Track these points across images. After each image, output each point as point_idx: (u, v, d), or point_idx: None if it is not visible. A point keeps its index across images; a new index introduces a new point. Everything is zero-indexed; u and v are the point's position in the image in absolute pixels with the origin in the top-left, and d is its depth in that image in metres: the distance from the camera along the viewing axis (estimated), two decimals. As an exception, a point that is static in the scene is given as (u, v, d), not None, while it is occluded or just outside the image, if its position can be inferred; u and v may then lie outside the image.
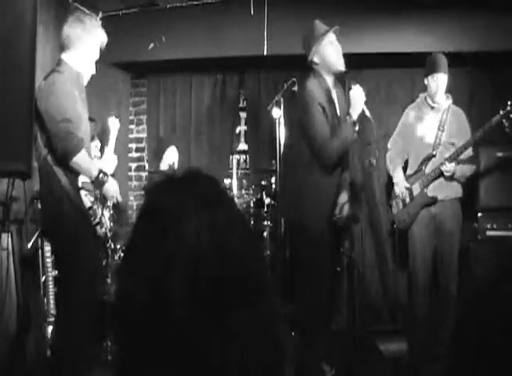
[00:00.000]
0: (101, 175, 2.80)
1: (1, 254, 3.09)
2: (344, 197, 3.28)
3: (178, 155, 4.53)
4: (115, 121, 3.28)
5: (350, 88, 3.12)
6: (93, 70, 2.94)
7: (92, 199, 2.81)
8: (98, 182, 2.80)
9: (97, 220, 2.81)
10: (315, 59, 3.23)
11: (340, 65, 3.19)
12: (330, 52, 3.19)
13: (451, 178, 3.57)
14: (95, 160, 2.99)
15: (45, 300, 3.15)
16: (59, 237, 2.79)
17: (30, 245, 3.33)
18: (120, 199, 3.04)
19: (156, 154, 4.58)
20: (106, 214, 3.00)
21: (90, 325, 2.75)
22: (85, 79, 2.92)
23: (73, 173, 2.74)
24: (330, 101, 3.22)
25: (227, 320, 0.70)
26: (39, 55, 2.55)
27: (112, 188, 2.89)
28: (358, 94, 3.10)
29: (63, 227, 2.73)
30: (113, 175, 3.01)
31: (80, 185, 2.75)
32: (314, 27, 3.25)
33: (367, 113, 3.14)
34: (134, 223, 0.78)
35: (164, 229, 0.72)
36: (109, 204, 3.08)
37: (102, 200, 2.93)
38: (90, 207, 2.78)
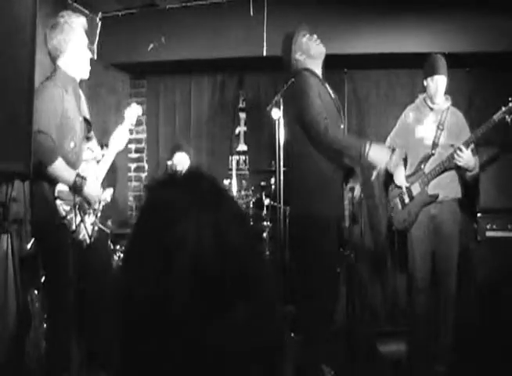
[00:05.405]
0: (77, 179, 2.78)
1: (0, 254, 3.09)
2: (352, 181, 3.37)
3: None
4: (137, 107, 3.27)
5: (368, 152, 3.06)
6: (88, 67, 2.94)
7: (68, 208, 2.78)
8: (76, 188, 2.78)
9: (73, 228, 2.80)
10: (299, 56, 3.25)
11: (320, 49, 3.23)
12: (307, 41, 3.24)
13: (460, 168, 3.54)
14: (83, 164, 2.95)
15: (44, 300, 3.14)
16: (43, 244, 2.91)
17: (29, 246, 3.33)
18: (108, 199, 3.02)
19: (170, 153, 4.57)
20: (89, 220, 2.92)
21: (72, 326, 2.84)
22: (80, 78, 2.93)
23: (52, 182, 2.75)
24: (325, 89, 3.24)
25: (227, 317, 0.70)
26: (39, 55, 2.55)
27: (92, 191, 2.89)
28: (378, 157, 3.08)
29: (45, 235, 2.83)
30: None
31: (56, 194, 2.75)
32: (285, 36, 3.32)
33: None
34: (135, 220, 0.78)
35: (166, 226, 0.72)
36: (97, 207, 3.01)
37: (83, 207, 2.88)
38: (64, 217, 2.77)
